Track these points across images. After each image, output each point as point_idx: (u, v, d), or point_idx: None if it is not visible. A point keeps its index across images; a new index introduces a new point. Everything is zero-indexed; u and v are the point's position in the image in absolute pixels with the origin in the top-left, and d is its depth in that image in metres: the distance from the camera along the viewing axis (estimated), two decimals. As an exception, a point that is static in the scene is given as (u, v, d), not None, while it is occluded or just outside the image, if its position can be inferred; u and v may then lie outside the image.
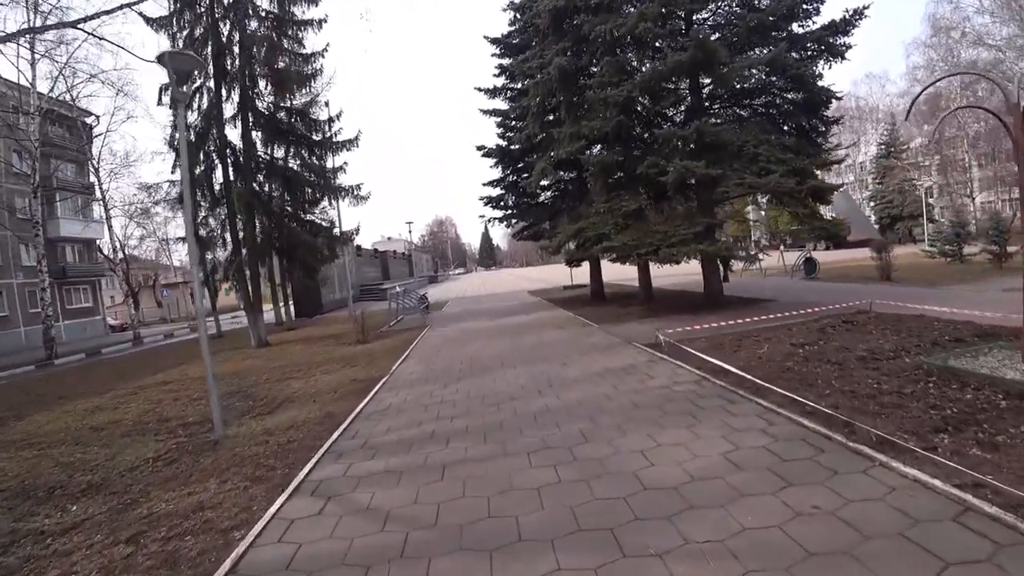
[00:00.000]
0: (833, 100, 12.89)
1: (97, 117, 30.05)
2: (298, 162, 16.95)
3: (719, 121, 12.70)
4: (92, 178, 30.58)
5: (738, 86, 13.28)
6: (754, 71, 12.46)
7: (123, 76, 34.21)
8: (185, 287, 48.31)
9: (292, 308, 27.76)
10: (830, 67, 12.36)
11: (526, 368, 8.11)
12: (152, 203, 22.19)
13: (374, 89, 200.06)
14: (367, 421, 6.26)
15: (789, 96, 13.18)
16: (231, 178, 17.02)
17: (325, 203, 18.85)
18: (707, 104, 13.46)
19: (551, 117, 16.10)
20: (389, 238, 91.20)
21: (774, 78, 12.70)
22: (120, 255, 33.35)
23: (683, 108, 14.19)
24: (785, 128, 12.86)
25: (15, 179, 29.74)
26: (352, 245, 39.46)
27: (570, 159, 16.75)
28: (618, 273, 24.92)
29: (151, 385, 11.80)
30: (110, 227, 30.64)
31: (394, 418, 6.23)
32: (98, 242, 36.82)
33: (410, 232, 27.94)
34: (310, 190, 17.23)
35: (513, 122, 18.12)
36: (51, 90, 24.52)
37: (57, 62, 24.65)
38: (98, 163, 29.94)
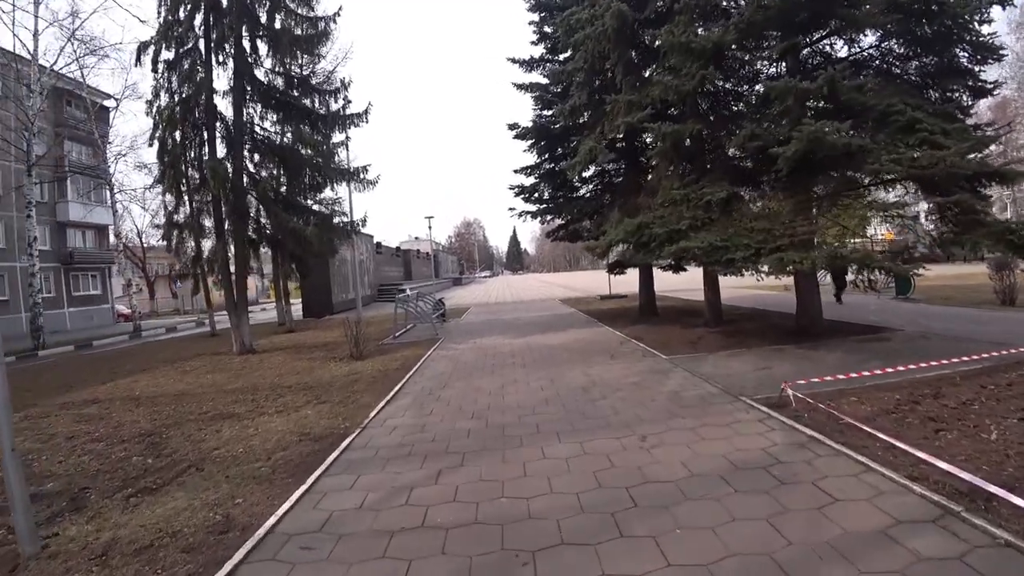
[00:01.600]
0: (993, 59, 9.45)
1: (116, 100, 28.04)
2: (296, 139, 14.06)
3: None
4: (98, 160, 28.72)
5: (845, 50, 9.98)
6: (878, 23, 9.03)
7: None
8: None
9: (293, 307, 25.07)
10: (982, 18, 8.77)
11: (578, 443, 4.83)
12: (148, 187, 19.77)
13: (403, 85, 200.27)
14: (270, 567, 3.16)
15: (914, 64, 9.82)
16: (218, 155, 14.34)
17: (333, 191, 16.01)
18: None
19: (599, 97, 12.93)
20: (416, 238, 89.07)
21: (895, 39, 9.38)
22: (123, 242, 31.53)
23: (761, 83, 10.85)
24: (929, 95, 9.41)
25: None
26: (371, 242, 36.98)
27: (623, 140, 13.60)
28: (662, 282, 21.47)
29: (77, 403, 9.15)
30: (115, 211, 28.78)
31: (321, 571, 3.09)
32: (110, 227, 35.35)
33: (430, 228, 25.14)
34: (310, 172, 14.34)
35: (553, 97, 14.95)
36: (54, 63, 22.72)
37: (65, 28, 23.04)
38: (104, 144, 28.09)
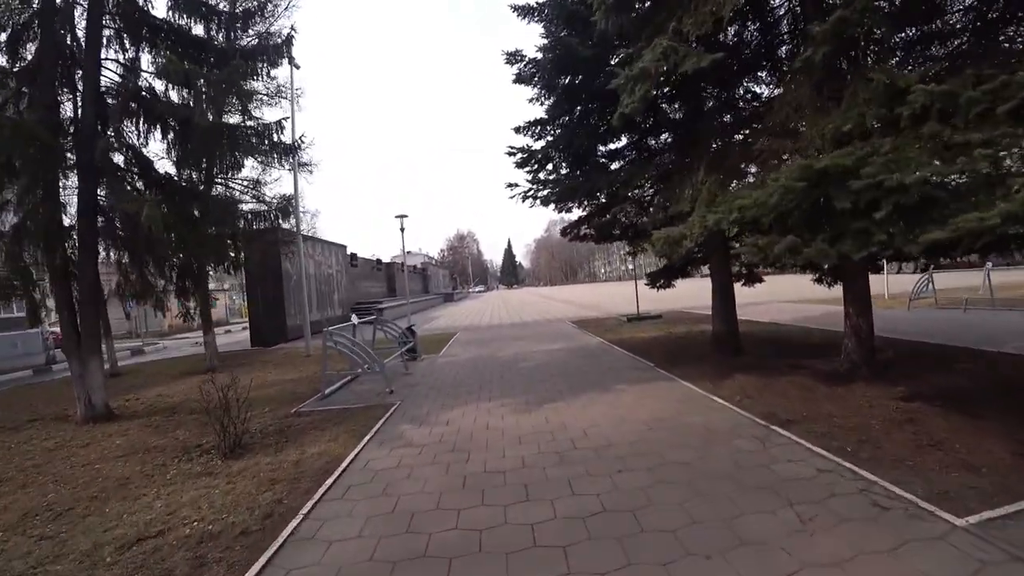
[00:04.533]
0: None
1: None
2: (163, 72, 8.67)
3: None
4: None
5: None
6: None
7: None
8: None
9: (242, 333, 19.38)
10: None
11: None
12: None
13: (392, 89, 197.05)
14: None
15: None
16: (61, 113, 9.01)
17: (243, 165, 10.55)
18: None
19: None
20: (409, 252, 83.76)
21: None
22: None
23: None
24: None
25: None
26: (343, 252, 31.33)
27: (675, 86, 8.28)
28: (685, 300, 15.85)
29: None
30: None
31: None
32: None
33: (402, 230, 19.73)
34: (197, 134, 8.91)
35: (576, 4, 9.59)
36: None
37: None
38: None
